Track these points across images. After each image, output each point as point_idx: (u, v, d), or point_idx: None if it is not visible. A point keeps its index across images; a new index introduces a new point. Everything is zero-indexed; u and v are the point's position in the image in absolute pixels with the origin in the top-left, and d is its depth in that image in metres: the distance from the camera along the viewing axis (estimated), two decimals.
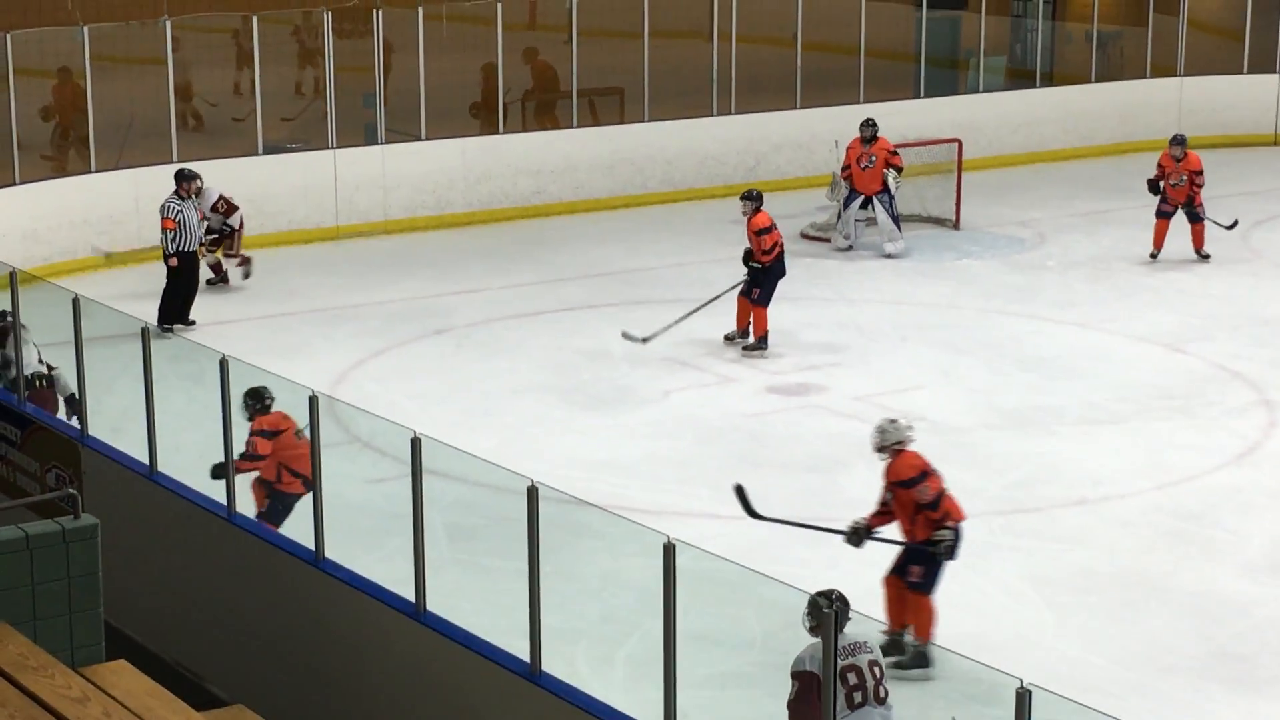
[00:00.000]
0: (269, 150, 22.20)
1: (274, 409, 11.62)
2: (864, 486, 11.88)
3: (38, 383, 12.88)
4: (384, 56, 23.16)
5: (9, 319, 12.74)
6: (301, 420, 10.61)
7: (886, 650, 10.58)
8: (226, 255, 19.44)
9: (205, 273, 19.07)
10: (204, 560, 10.67)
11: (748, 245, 17.34)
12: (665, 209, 23.88)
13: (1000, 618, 11.74)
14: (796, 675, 8.43)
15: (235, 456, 11.18)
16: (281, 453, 11.49)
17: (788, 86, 25.15)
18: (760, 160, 24.78)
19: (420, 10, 22.68)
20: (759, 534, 11.98)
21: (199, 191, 18.41)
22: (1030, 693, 6.10)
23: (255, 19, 22.06)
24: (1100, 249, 21.56)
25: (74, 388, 12.26)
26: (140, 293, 18.61)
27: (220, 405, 10.27)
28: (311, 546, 9.71)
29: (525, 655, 8.29)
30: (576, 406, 15.93)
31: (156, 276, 18.49)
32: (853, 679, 8.50)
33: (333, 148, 22.39)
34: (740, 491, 11.46)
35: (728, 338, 17.44)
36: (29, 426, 11.89)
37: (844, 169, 21.37)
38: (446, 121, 23.42)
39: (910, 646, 10.71)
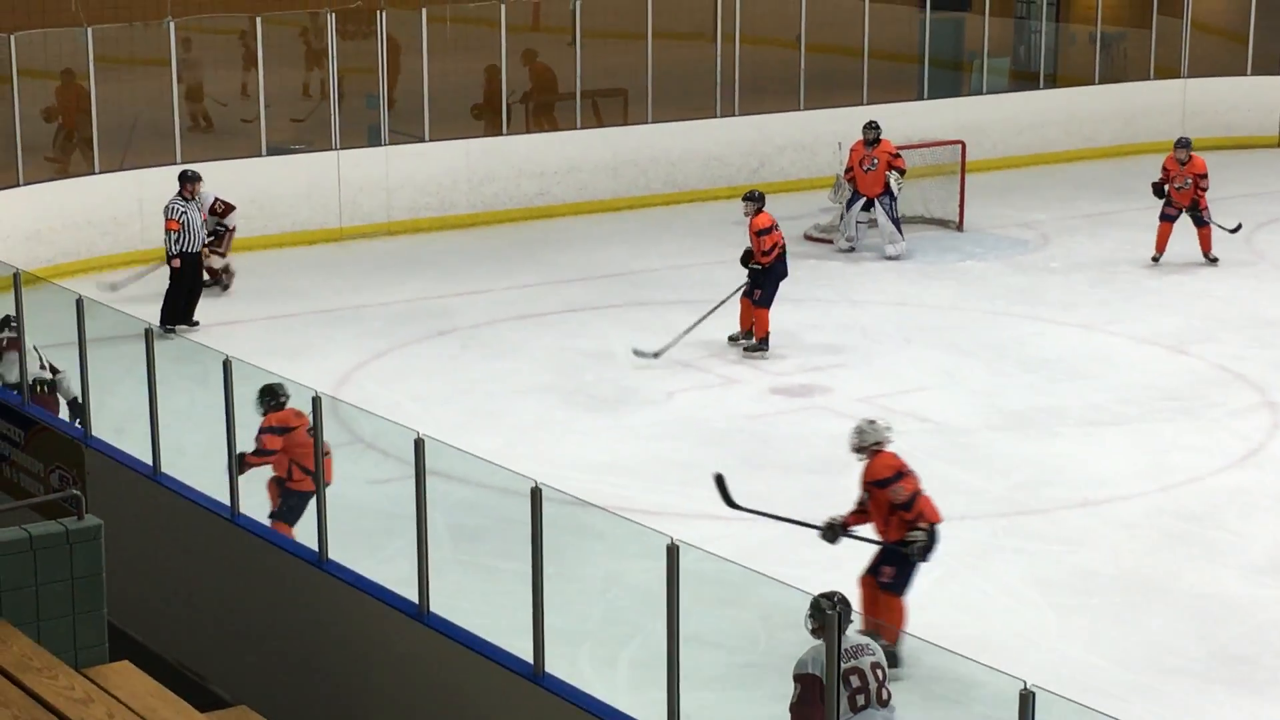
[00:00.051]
0: (273, 152, 22.22)
1: (288, 406, 11.65)
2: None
3: (39, 388, 12.88)
4: (388, 58, 23.17)
5: (13, 324, 12.76)
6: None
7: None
8: (214, 252, 19.21)
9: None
10: (207, 561, 10.67)
11: (748, 246, 17.36)
12: (669, 210, 23.89)
13: (1003, 619, 11.74)
14: (799, 678, 8.43)
15: (248, 451, 11.30)
16: (293, 450, 11.50)
17: (791, 88, 25.15)
18: (764, 162, 24.78)
19: (424, 12, 22.68)
20: (762, 535, 11.99)
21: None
22: (1033, 694, 6.11)
23: (259, 20, 22.07)
24: (1104, 251, 21.56)
25: (77, 392, 12.30)
26: (143, 294, 18.62)
27: (224, 406, 10.27)
28: (315, 547, 9.71)
29: (528, 656, 8.29)
30: (580, 408, 15.93)
31: (160, 278, 18.50)
32: (855, 681, 8.50)
33: (336, 149, 22.40)
34: (719, 481, 11.60)
35: (732, 339, 17.44)
36: (32, 427, 11.89)
37: (847, 171, 21.39)
38: (450, 123, 23.43)
39: (881, 647, 10.71)
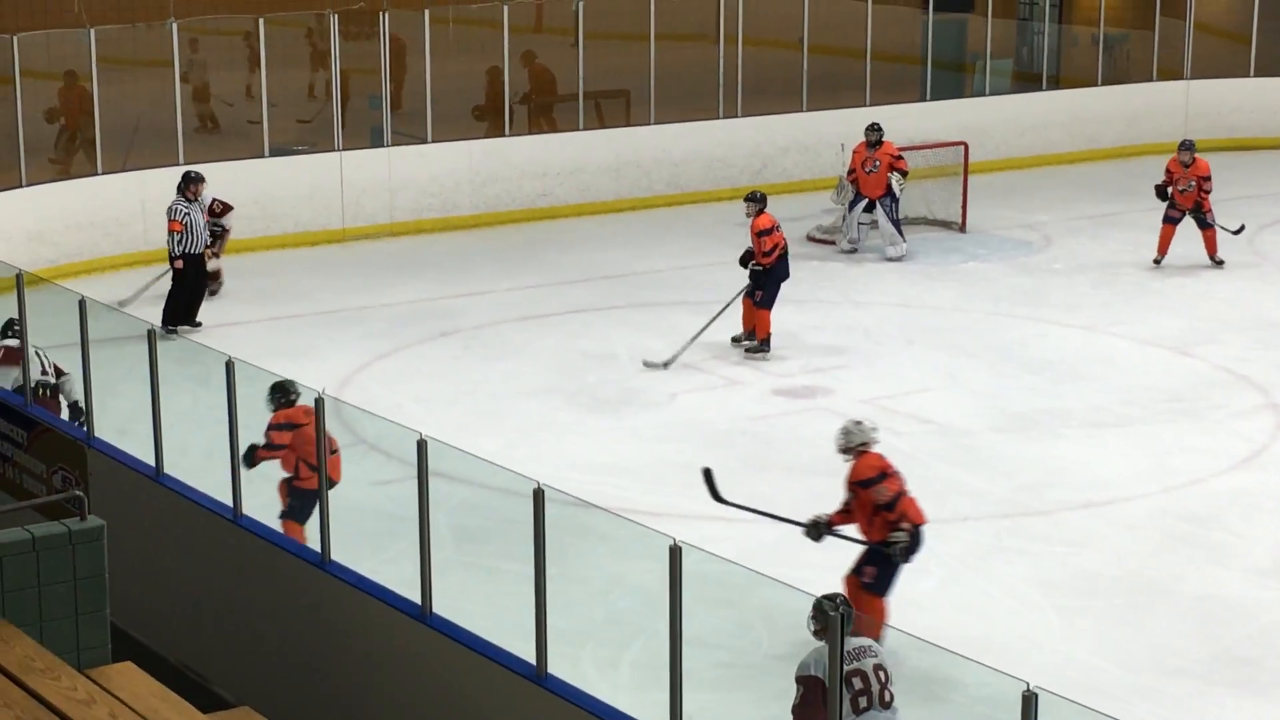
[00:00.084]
0: (275, 153, 22.22)
1: (298, 404, 11.69)
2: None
3: (40, 391, 12.88)
4: (394, 58, 23.17)
5: (15, 328, 12.77)
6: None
7: None
8: (213, 254, 19.12)
9: None
10: (210, 562, 10.67)
11: (748, 246, 17.37)
12: (671, 211, 23.89)
13: (1005, 620, 11.74)
14: (801, 680, 8.42)
15: (260, 444, 11.40)
16: (301, 448, 11.51)
17: (794, 89, 25.16)
18: (766, 163, 24.78)
19: (426, 13, 22.68)
20: (764, 537, 11.99)
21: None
22: (1037, 696, 6.10)
23: (261, 22, 22.07)
24: (1107, 252, 21.55)
25: (79, 395, 12.32)
26: (146, 295, 18.64)
27: (226, 407, 10.27)
28: (317, 548, 9.71)
29: (531, 658, 8.29)
30: (582, 409, 15.93)
31: (162, 281, 18.50)
32: (858, 684, 8.48)
33: (339, 150, 22.41)
34: (708, 475, 11.69)
35: (734, 340, 17.44)
36: (35, 428, 11.90)
37: (850, 173, 21.40)
38: (452, 124, 23.44)
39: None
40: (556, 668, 8.28)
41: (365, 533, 11.56)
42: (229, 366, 10.16)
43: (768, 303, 17.22)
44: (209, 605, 10.73)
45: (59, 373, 13.11)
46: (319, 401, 9.74)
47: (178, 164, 20.37)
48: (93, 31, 20.83)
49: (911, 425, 15.39)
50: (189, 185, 18.18)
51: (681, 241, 22.19)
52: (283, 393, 11.71)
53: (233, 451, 10.39)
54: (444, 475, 10.13)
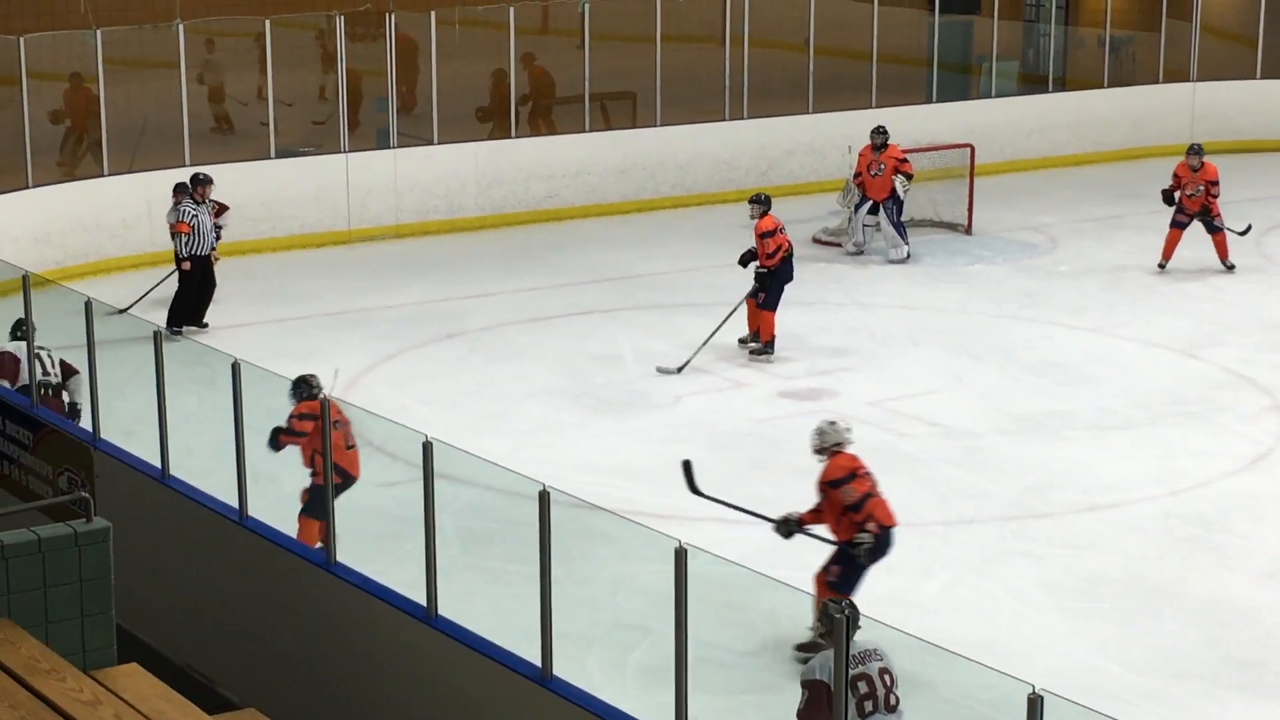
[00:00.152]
0: (281, 154, 22.24)
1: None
2: (882, 492, 11.85)
3: (43, 391, 12.89)
4: (403, 60, 23.18)
5: (22, 329, 12.77)
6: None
7: (802, 648, 10.67)
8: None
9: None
10: (216, 564, 10.67)
11: (751, 247, 17.37)
12: (677, 213, 23.89)
13: (1011, 623, 11.73)
14: (806, 684, 8.42)
15: (282, 428, 11.65)
16: (318, 440, 11.53)
17: (800, 91, 25.16)
18: (772, 165, 24.78)
19: (433, 15, 22.70)
20: (770, 539, 11.97)
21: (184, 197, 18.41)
22: (1042, 698, 6.10)
23: (268, 23, 22.08)
24: (1112, 254, 21.54)
25: (80, 395, 12.34)
26: (152, 297, 18.65)
27: (232, 409, 10.28)
28: (323, 550, 9.71)
29: (537, 660, 8.29)
30: (588, 411, 15.93)
31: (170, 280, 18.51)
32: (863, 687, 8.48)
33: (345, 152, 22.42)
34: (687, 467, 11.81)
35: (741, 341, 17.44)
36: (41, 430, 11.90)
37: (855, 176, 21.42)
38: (458, 126, 23.45)
39: (822, 647, 10.72)
40: (562, 670, 8.28)
41: (371, 534, 11.58)
42: (235, 368, 10.17)
43: (771, 305, 17.22)
44: (214, 607, 10.74)
45: (68, 371, 13.10)
46: (323, 403, 9.74)
47: (184, 165, 20.39)
48: (99, 33, 20.84)
49: (916, 427, 15.39)
50: (196, 187, 18.21)
51: (687, 243, 22.19)
52: (305, 386, 11.99)
53: (238, 453, 10.38)
54: (449, 477, 10.13)
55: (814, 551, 11.45)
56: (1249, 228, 21.05)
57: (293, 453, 11.83)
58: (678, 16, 24.87)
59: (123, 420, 12.01)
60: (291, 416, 11.82)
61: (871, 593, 10.70)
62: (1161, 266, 20.58)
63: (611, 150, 24.01)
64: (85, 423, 12.05)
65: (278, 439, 11.81)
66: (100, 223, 20.66)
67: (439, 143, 22.95)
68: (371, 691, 9.37)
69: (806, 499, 13.10)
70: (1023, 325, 18.65)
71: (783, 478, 13.97)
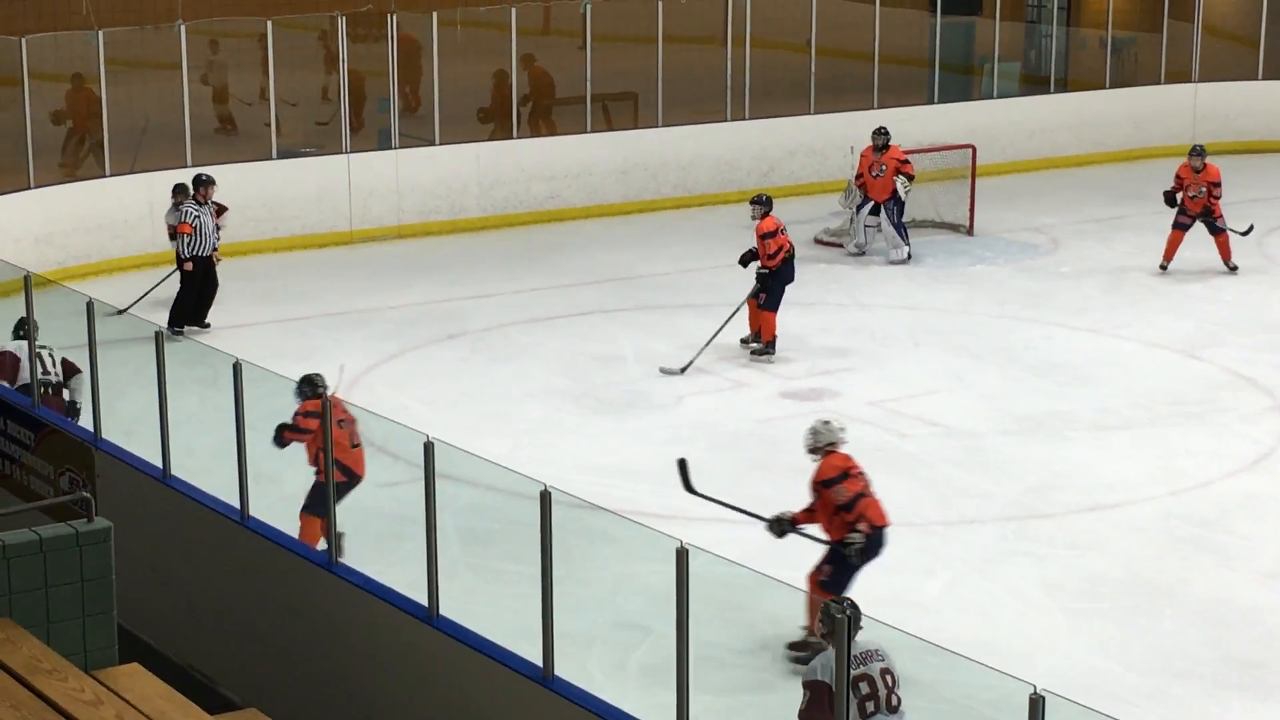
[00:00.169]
0: (283, 155, 22.24)
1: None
2: (876, 492, 11.86)
3: (44, 390, 12.89)
4: (407, 60, 23.18)
5: (24, 329, 12.77)
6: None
7: (794, 647, 10.67)
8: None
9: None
10: (217, 564, 10.68)
11: (751, 247, 17.37)
12: (679, 214, 23.89)
13: (1012, 623, 11.73)
14: (808, 684, 8.42)
15: (287, 424, 11.69)
16: (321, 438, 11.54)
17: (802, 92, 25.16)
18: (774, 166, 24.78)
19: (435, 16, 22.70)
20: (772, 539, 11.97)
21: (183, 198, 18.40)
22: (1043, 698, 6.10)
23: (270, 24, 22.09)
24: (1114, 255, 21.54)
25: (80, 395, 12.33)
26: (154, 296, 18.65)
27: (234, 409, 10.28)
28: (325, 550, 9.71)
29: (538, 660, 8.29)
30: (589, 411, 15.93)
31: (170, 280, 18.52)
32: (864, 688, 8.48)
33: (347, 152, 22.42)
34: (682, 465, 11.83)
35: (743, 341, 17.44)
36: (42, 430, 11.91)
37: (857, 177, 21.42)
38: (460, 127, 23.45)
39: (814, 645, 10.73)
40: (563, 670, 8.28)
41: (372, 534, 11.59)
42: (236, 368, 10.17)
43: (773, 305, 17.22)
44: (216, 607, 10.74)
45: (71, 370, 13.10)
46: (324, 404, 9.74)
47: (185, 166, 20.40)
48: (100, 34, 20.85)
49: (918, 428, 15.40)
50: (199, 188, 18.21)
51: (689, 244, 22.19)
52: (310, 385, 12.03)
53: (240, 453, 10.39)
54: (451, 477, 10.13)
55: (814, 552, 11.45)
56: (1251, 228, 21.05)
57: (294, 453, 11.84)
58: (679, 17, 24.87)
59: (124, 420, 12.01)
60: (297, 414, 11.87)
61: (872, 593, 10.68)
62: (1163, 267, 20.58)
63: (613, 151, 24.01)
64: (86, 423, 12.05)
65: (283, 435, 11.87)
66: (102, 223, 20.67)
67: (441, 143, 22.95)
68: (373, 691, 9.38)
69: (808, 500, 13.12)
70: (1024, 326, 18.65)
71: (784, 478, 13.95)
